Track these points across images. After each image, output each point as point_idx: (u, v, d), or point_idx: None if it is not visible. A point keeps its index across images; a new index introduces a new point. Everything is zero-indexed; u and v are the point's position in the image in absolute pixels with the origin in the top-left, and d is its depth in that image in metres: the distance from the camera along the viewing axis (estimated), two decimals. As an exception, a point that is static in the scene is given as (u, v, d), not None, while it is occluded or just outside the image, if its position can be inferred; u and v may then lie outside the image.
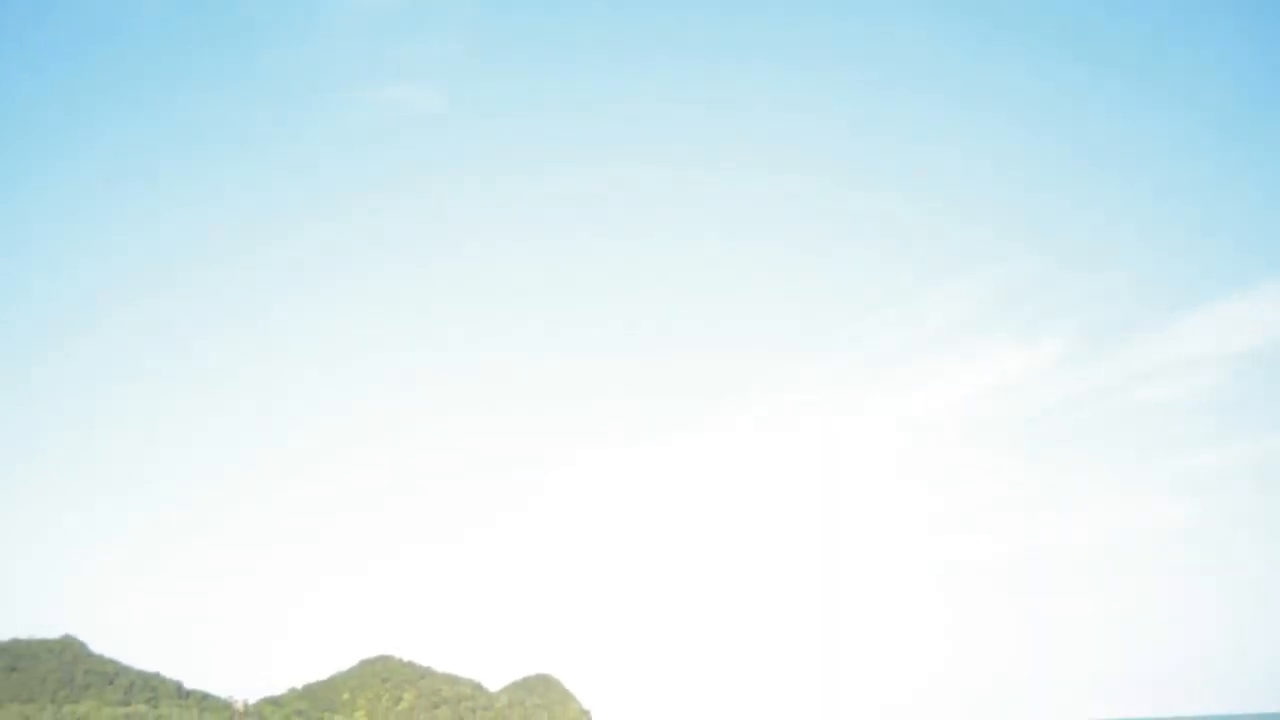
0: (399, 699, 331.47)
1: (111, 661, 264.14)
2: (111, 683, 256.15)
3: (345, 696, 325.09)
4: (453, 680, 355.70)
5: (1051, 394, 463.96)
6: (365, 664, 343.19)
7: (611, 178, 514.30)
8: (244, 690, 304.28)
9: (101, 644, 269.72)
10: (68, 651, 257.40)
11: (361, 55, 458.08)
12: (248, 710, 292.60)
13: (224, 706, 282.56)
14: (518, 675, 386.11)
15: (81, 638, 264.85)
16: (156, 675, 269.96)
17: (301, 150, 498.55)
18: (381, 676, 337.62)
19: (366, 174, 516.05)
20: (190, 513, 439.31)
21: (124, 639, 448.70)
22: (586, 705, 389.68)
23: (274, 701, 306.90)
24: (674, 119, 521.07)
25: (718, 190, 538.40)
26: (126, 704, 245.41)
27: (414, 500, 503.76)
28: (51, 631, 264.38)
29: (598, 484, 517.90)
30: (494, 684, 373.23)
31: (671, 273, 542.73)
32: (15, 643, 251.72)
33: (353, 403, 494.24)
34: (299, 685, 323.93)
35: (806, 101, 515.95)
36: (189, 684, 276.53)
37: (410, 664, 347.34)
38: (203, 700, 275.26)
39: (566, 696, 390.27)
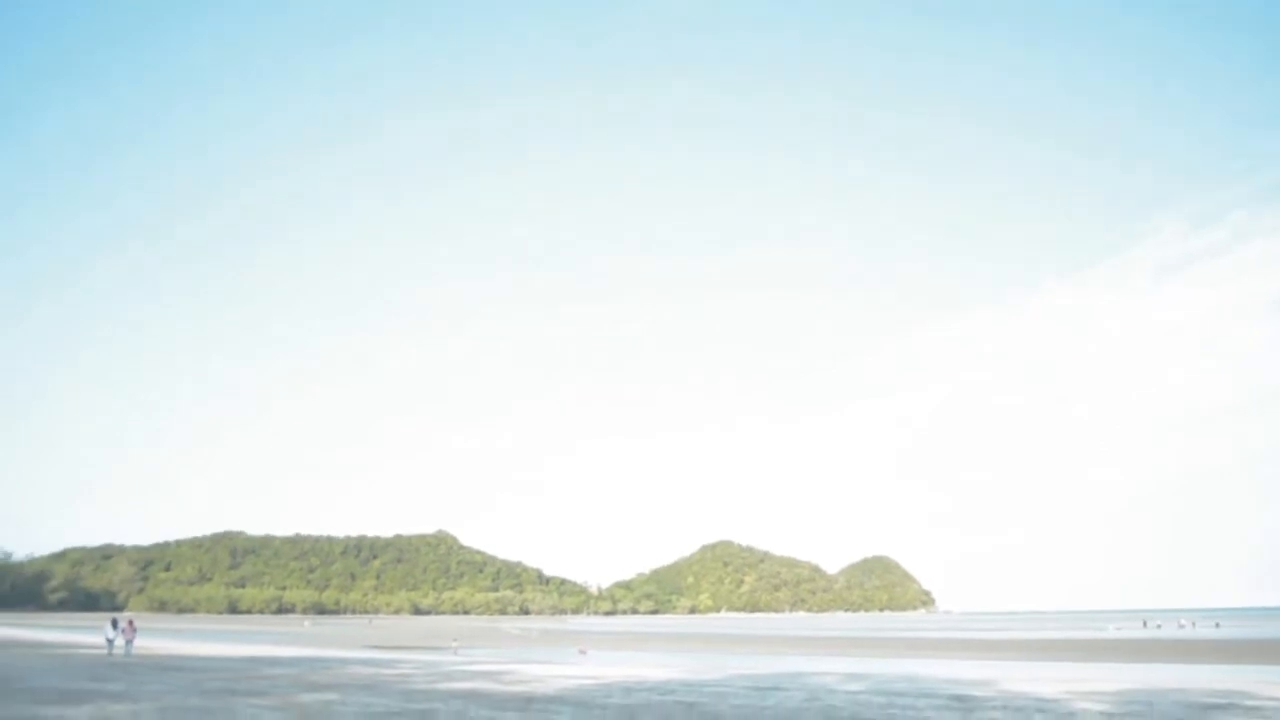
0: (740, 581, 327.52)
1: (480, 552, 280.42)
2: (481, 571, 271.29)
3: (689, 580, 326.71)
4: (791, 563, 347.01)
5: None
6: (707, 549, 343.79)
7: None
8: (597, 575, 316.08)
9: (471, 538, 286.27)
10: (443, 545, 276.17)
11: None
12: (601, 594, 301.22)
13: (580, 590, 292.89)
14: (856, 558, 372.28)
15: (454, 532, 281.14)
16: (519, 564, 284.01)
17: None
18: (723, 560, 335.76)
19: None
20: (541, 420, 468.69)
21: (490, 533, 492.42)
22: (927, 587, 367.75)
23: (624, 585, 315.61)
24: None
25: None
26: (494, 590, 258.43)
27: (751, 388, 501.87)
28: (429, 528, 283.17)
29: (942, 363, 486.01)
30: (832, 566, 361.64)
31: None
32: (399, 538, 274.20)
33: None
34: (646, 570, 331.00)
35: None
36: (548, 571, 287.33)
37: (749, 548, 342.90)
38: (561, 585, 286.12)
39: (906, 578, 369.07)
